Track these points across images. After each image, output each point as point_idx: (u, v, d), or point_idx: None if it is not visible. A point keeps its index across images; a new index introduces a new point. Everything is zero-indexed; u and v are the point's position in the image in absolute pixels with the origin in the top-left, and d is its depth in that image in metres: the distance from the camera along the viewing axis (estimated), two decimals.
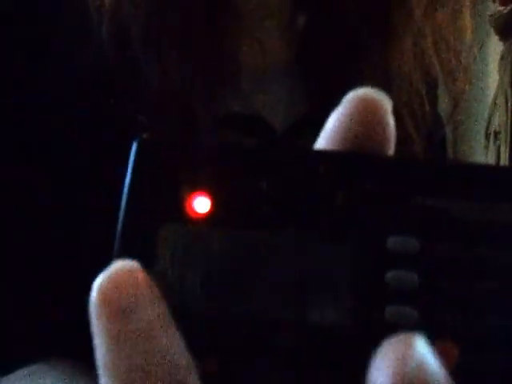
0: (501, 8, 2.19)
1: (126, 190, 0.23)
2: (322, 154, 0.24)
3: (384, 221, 0.23)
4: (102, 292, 0.20)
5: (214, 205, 0.23)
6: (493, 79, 2.29)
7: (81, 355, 0.48)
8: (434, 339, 0.21)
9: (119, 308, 0.20)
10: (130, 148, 0.23)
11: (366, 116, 0.23)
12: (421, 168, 0.24)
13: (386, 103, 0.23)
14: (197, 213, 0.23)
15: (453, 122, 0.62)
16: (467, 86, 0.57)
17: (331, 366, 0.22)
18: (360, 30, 0.54)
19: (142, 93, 0.50)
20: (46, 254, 0.50)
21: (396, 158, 0.24)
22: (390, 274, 0.22)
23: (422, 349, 0.19)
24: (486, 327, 0.22)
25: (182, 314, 0.22)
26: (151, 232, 0.23)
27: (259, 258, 0.23)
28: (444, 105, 0.63)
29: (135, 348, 0.20)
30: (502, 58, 2.22)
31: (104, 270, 0.21)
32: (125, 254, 0.22)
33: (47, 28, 0.51)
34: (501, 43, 2.23)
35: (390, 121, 0.23)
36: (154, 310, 0.20)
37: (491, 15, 2.16)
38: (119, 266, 0.21)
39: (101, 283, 0.20)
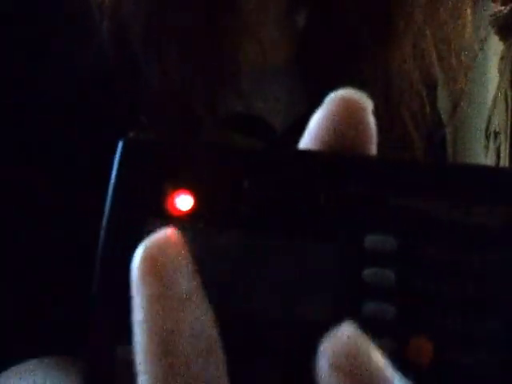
0: (501, 8, 2.18)
1: (111, 187, 0.24)
2: (303, 154, 0.24)
3: (362, 220, 0.23)
4: (148, 255, 0.21)
5: (197, 203, 0.23)
6: (493, 79, 2.29)
7: (80, 354, 0.48)
8: (409, 335, 0.22)
9: (163, 272, 0.21)
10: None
11: (347, 116, 0.24)
12: (400, 168, 0.24)
13: (367, 103, 0.24)
14: (179, 210, 0.23)
15: (453, 122, 0.62)
16: (467, 87, 0.58)
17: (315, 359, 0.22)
18: (360, 30, 0.54)
19: (142, 93, 0.50)
20: (46, 253, 0.50)
21: (376, 158, 0.24)
22: (367, 272, 0.23)
23: (352, 333, 0.20)
24: (460, 325, 0.23)
25: None
26: (136, 228, 0.23)
27: (241, 258, 0.23)
28: (444, 105, 0.63)
29: (175, 312, 0.21)
30: (501, 58, 2.22)
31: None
32: (110, 249, 0.22)
33: (47, 28, 0.51)
34: (501, 43, 2.23)
35: (371, 120, 0.24)
36: (194, 280, 0.21)
37: (491, 15, 2.16)
38: (164, 234, 0.21)
39: (147, 246, 0.21)
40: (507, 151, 2.19)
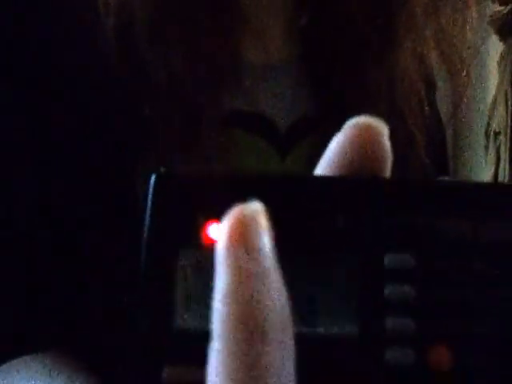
0: (501, 8, 2.19)
1: (145, 220, 0.25)
2: (327, 179, 0.25)
3: (381, 240, 0.24)
4: (234, 228, 0.21)
5: None
6: (493, 79, 2.29)
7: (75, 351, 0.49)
8: (428, 346, 0.24)
9: (248, 246, 0.21)
10: (148, 180, 0.25)
11: (365, 141, 0.25)
12: (415, 188, 0.25)
13: (383, 128, 0.25)
14: (211, 239, 0.24)
15: (453, 121, 0.62)
16: (468, 87, 0.58)
17: (340, 372, 0.24)
18: (363, 30, 0.54)
19: (145, 89, 0.50)
20: (46, 250, 0.50)
21: (391, 180, 0.25)
22: (387, 289, 0.24)
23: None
24: (476, 334, 0.24)
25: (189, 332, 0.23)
26: (171, 257, 0.24)
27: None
28: (444, 106, 0.63)
29: (256, 282, 0.21)
30: (501, 58, 2.23)
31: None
32: (148, 276, 0.24)
33: (58, 27, 0.51)
34: (501, 43, 2.23)
35: (387, 145, 0.25)
36: (272, 258, 0.22)
37: (491, 15, 2.16)
38: (251, 209, 0.22)
39: (235, 216, 0.21)
40: (507, 151, 2.19)
